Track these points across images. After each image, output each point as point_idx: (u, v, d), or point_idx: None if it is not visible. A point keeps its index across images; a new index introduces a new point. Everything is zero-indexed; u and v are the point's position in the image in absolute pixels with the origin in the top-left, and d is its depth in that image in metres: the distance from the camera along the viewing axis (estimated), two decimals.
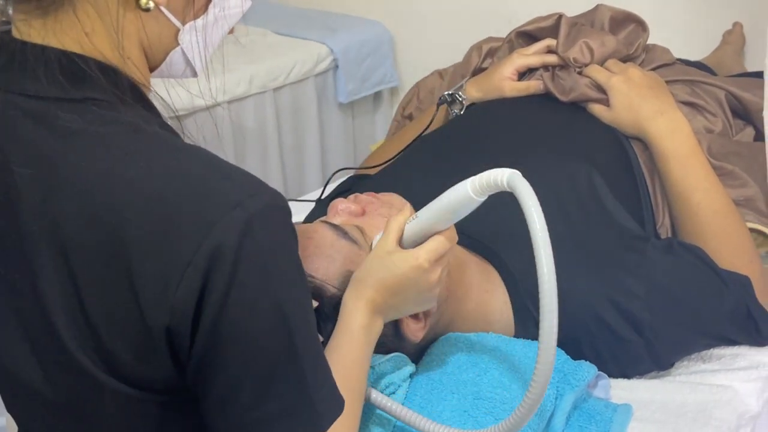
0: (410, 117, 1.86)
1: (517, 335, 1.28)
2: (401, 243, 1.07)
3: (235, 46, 2.70)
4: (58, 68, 0.80)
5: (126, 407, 0.85)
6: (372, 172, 1.63)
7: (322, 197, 1.67)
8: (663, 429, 1.20)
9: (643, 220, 1.44)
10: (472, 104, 1.64)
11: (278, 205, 0.80)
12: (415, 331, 1.17)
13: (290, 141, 2.73)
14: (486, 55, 1.77)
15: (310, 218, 1.52)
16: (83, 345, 0.81)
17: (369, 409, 1.07)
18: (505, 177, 0.97)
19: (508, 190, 0.97)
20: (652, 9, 1.97)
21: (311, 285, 1.09)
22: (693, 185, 1.41)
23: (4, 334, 0.86)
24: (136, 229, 0.76)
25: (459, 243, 1.32)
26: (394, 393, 1.14)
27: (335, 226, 1.15)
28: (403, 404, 1.13)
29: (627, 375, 1.30)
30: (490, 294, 1.28)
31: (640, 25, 1.64)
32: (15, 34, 0.83)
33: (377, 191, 1.26)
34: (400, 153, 1.61)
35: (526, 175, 1.40)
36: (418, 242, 1.07)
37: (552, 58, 1.58)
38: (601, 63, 1.55)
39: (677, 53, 1.74)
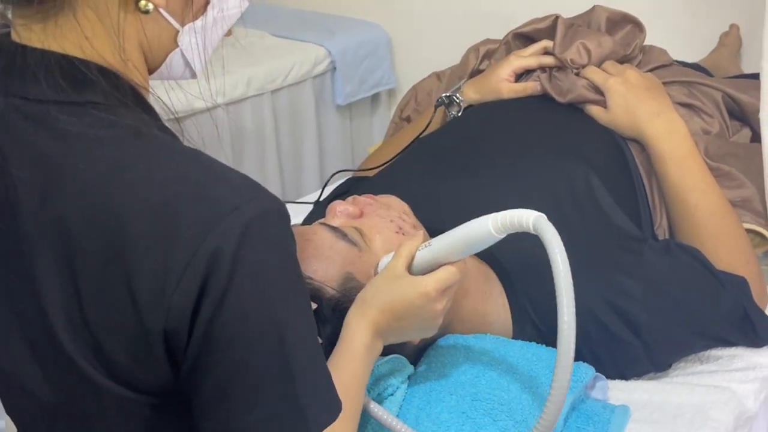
0: (408, 119, 1.86)
1: (515, 337, 1.28)
2: (410, 269, 1.07)
3: (233, 49, 2.70)
4: (59, 72, 0.80)
5: (123, 409, 0.85)
6: (370, 174, 1.63)
7: (321, 199, 1.67)
8: (660, 430, 1.20)
9: (640, 221, 1.44)
10: (470, 106, 1.65)
11: (276, 210, 0.80)
12: None
13: (288, 143, 2.73)
14: (483, 57, 1.77)
15: (309, 220, 1.52)
16: (81, 347, 0.81)
17: (365, 419, 1.07)
18: (531, 220, 0.98)
19: (533, 233, 0.98)
20: (649, 10, 1.97)
21: (310, 287, 1.09)
22: (690, 186, 1.41)
23: (3, 337, 0.86)
24: (134, 233, 0.76)
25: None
26: (392, 395, 1.14)
27: (334, 228, 1.16)
28: (401, 405, 1.14)
29: (624, 376, 1.30)
30: (488, 296, 1.29)
31: (637, 26, 1.65)
32: (15, 38, 0.83)
33: (375, 193, 1.26)
34: (398, 155, 1.61)
35: (523, 177, 1.41)
36: (427, 270, 1.07)
37: (549, 60, 1.59)
38: (598, 64, 1.55)
39: (674, 55, 1.74)
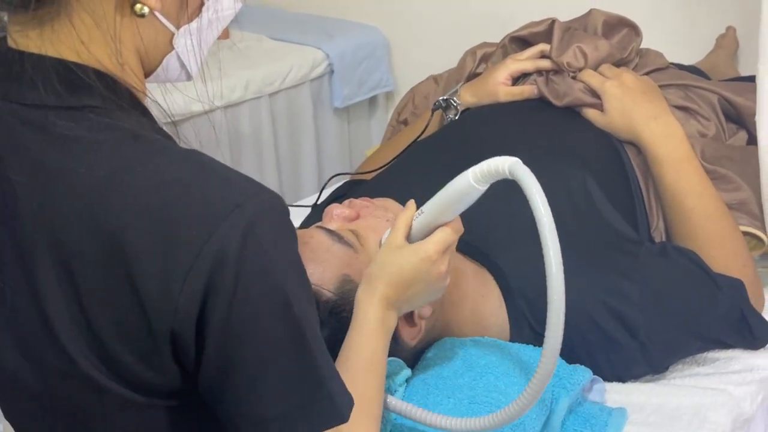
0: (405, 122, 1.86)
1: (512, 340, 1.28)
2: (409, 238, 1.09)
3: (230, 52, 2.71)
4: (56, 77, 0.80)
5: (129, 413, 0.85)
6: (367, 177, 1.63)
7: (318, 202, 1.67)
8: None
9: (637, 224, 1.44)
10: (467, 109, 1.65)
11: (277, 206, 0.81)
12: (410, 336, 1.18)
13: (286, 146, 2.73)
14: (480, 61, 1.77)
15: (306, 223, 1.53)
16: (85, 350, 0.81)
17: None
18: (506, 165, 0.98)
19: (510, 177, 0.98)
20: (646, 12, 1.97)
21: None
22: (686, 189, 1.42)
23: (2, 343, 0.86)
24: (135, 235, 0.77)
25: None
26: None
27: (330, 231, 1.16)
28: None
29: (622, 378, 1.30)
30: (485, 299, 1.29)
31: (634, 29, 1.65)
32: (11, 44, 0.83)
33: (372, 196, 1.26)
34: (395, 158, 1.61)
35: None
36: (424, 236, 1.08)
37: (546, 63, 1.59)
38: (595, 67, 1.56)
39: (671, 57, 1.74)
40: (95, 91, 0.82)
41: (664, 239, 1.47)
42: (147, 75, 0.90)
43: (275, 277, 0.79)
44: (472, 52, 1.80)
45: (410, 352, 1.20)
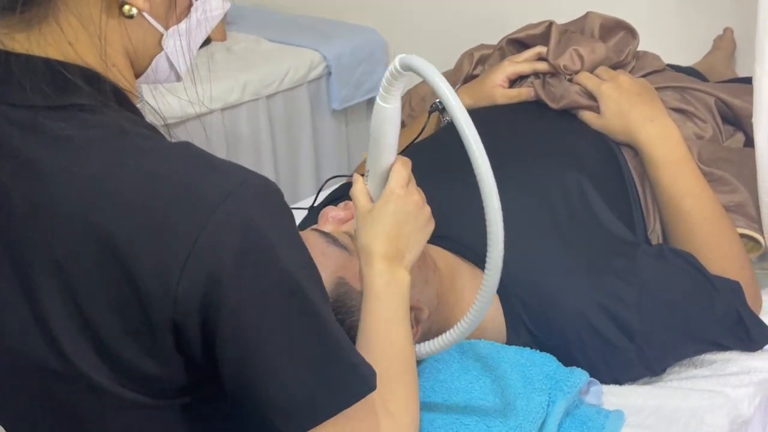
0: (402, 124, 1.86)
1: (509, 342, 1.28)
2: (372, 201, 1.10)
3: (228, 54, 2.71)
4: (42, 77, 0.81)
5: (126, 413, 0.85)
6: None
7: (315, 204, 1.67)
8: None
9: (633, 226, 1.44)
10: None
11: (270, 188, 0.81)
12: None
13: (284, 148, 2.73)
14: (477, 63, 1.77)
15: (303, 225, 1.53)
16: (84, 350, 0.81)
17: None
18: (396, 63, 1.00)
19: (404, 72, 1.00)
20: (643, 15, 1.97)
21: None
22: (683, 191, 1.42)
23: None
24: (128, 229, 0.77)
25: (449, 249, 1.32)
26: None
27: (325, 234, 1.16)
28: None
29: (619, 381, 1.30)
30: None
31: (630, 32, 1.65)
32: None
33: None
34: None
35: (517, 182, 1.42)
36: (383, 188, 1.09)
37: (542, 66, 1.59)
38: (592, 70, 1.56)
39: (668, 58, 1.74)
40: (82, 89, 0.82)
41: (661, 241, 1.47)
42: (137, 76, 0.90)
43: (278, 259, 0.79)
44: (469, 54, 1.80)
45: None
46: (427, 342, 1.10)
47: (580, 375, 1.21)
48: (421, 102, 1.85)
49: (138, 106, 0.89)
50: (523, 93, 1.59)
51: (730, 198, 1.46)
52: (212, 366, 0.82)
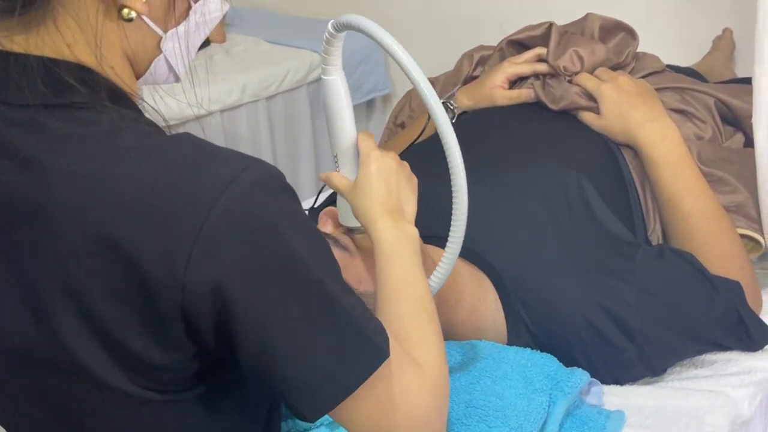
0: (402, 125, 1.87)
1: (509, 342, 1.28)
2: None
3: (227, 55, 2.71)
4: (39, 76, 0.81)
5: (128, 408, 0.86)
6: None
7: (315, 206, 1.67)
8: None
9: (634, 226, 1.44)
10: (464, 112, 1.65)
11: (272, 172, 0.81)
12: None
13: (283, 149, 2.73)
14: (477, 64, 1.77)
15: None
16: (89, 344, 0.81)
17: None
18: (329, 26, 1.02)
19: (337, 32, 1.03)
20: (642, 15, 1.98)
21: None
22: (683, 192, 1.42)
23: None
24: (129, 222, 0.77)
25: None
26: None
27: (326, 235, 1.16)
28: None
29: (619, 381, 1.30)
30: (482, 301, 1.29)
31: (630, 33, 1.65)
32: None
33: None
34: None
35: (517, 183, 1.42)
36: (356, 165, 1.10)
37: (542, 67, 1.59)
38: (591, 71, 1.56)
39: (668, 59, 1.75)
40: (77, 88, 0.82)
41: (661, 242, 1.47)
42: (137, 77, 0.90)
43: (285, 240, 0.79)
44: (469, 55, 1.80)
45: None
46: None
47: (580, 375, 1.21)
48: (421, 103, 1.85)
49: (138, 106, 0.89)
50: (523, 94, 1.60)
51: (730, 198, 1.47)
52: (225, 352, 0.83)
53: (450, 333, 1.25)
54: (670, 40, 2.16)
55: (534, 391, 1.16)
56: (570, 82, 1.56)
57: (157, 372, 0.83)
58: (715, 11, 2.16)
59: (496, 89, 1.61)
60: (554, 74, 1.58)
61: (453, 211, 1.04)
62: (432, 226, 1.21)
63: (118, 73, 0.86)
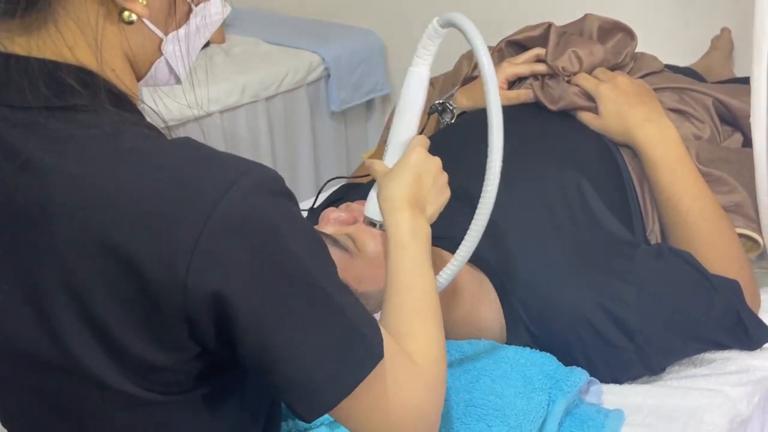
0: None
1: (509, 342, 1.29)
2: None
3: (227, 56, 2.72)
4: (41, 78, 0.81)
5: (130, 409, 0.86)
6: (364, 180, 1.63)
7: (315, 206, 1.67)
8: None
9: (632, 226, 1.44)
10: (463, 113, 1.65)
11: (272, 176, 0.82)
12: None
13: (283, 150, 2.74)
14: (476, 64, 1.77)
15: None
16: (91, 346, 0.82)
17: None
18: (435, 21, 1.04)
19: (443, 29, 1.04)
20: (641, 14, 1.98)
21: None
22: (681, 192, 1.42)
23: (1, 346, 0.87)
24: (130, 224, 0.77)
25: (449, 251, 1.33)
26: None
27: (326, 236, 1.16)
28: None
29: (618, 380, 1.30)
30: (481, 301, 1.29)
31: (628, 34, 1.66)
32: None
33: None
34: None
35: (516, 183, 1.42)
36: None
37: (541, 67, 1.59)
38: (590, 72, 1.56)
39: (666, 59, 1.75)
40: (78, 90, 0.82)
41: (659, 241, 1.47)
42: (137, 80, 0.91)
43: (284, 243, 0.80)
44: (468, 55, 1.81)
45: None
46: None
47: (579, 374, 1.21)
48: None
49: (138, 108, 0.89)
50: (521, 94, 1.60)
51: (728, 198, 1.47)
52: (226, 353, 0.83)
53: (449, 332, 1.25)
54: (668, 39, 2.16)
55: (533, 390, 1.16)
56: (569, 82, 1.56)
57: (159, 373, 0.84)
58: (714, 11, 2.17)
59: None
60: (553, 75, 1.58)
61: (476, 213, 1.06)
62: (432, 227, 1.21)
63: (119, 75, 0.86)
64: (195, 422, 0.89)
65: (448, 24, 1.02)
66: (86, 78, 0.83)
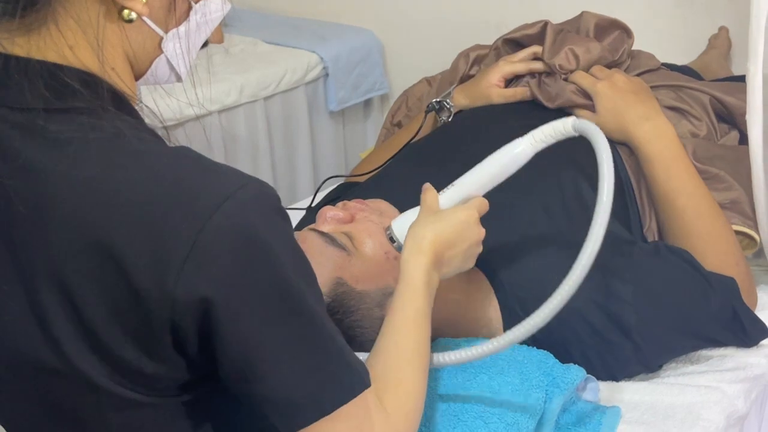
0: (399, 125, 1.87)
1: None
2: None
3: (225, 56, 2.72)
4: (41, 80, 0.81)
5: (124, 411, 0.86)
6: (362, 179, 1.64)
7: (313, 205, 1.67)
8: (651, 430, 1.21)
9: (629, 224, 1.45)
10: (460, 111, 1.65)
11: (267, 193, 0.82)
12: None
13: (281, 149, 2.74)
14: (473, 63, 1.78)
15: (301, 226, 1.53)
16: (84, 350, 0.82)
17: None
18: (569, 124, 1.06)
19: (575, 134, 1.06)
20: (639, 14, 1.98)
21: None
22: (678, 189, 1.42)
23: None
24: (126, 230, 0.77)
25: None
26: None
27: (323, 234, 1.17)
28: None
29: (615, 377, 1.30)
30: (478, 299, 1.29)
31: (625, 31, 1.66)
32: None
33: (366, 198, 1.27)
34: (389, 160, 1.62)
35: (513, 181, 1.42)
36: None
37: (538, 65, 1.60)
38: (587, 69, 1.56)
39: (664, 57, 1.75)
40: (80, 93, 0.82)
41: (656, 239, 1.47)
42: (137, 78, 0.91)
43: (274, 262, 0.80)
44: (465, 54, 1.81)
45: None
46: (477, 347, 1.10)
47: (576, 371, 1.21)
48: (417, 102, 1.86)
49: (136, 107, 0.89)
50: (518, 92, 1.60)
51: (725, 195, 1.47)
52: (209, 365, 0.83)
53: (446, 330, 1.25)
54: (666, 38, 2.16)
55: (530, 387, 1.16)
56: (566, 80, 1.57)
57: (150, 380, 0.84)
58: (711, 10, 2.17)
59: (492, 88, 1.62)
60: (550, 72, 1.58)
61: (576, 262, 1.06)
62: None
63: (119, 73, 0.86)
64: (192, 422, 0.89)
65: (582, 132, 1.04)
66: (87, 81, 0.83)
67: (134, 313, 0.79)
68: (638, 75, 1.63)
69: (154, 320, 0.79)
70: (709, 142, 1.55)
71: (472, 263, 1.13)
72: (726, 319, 1.31)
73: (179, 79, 0.94)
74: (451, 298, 1.26)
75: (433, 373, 1.18)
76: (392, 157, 1.62)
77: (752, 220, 1.47)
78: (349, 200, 1.26)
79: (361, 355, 0.93)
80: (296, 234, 1.18)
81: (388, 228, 1.15)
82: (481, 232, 1.10)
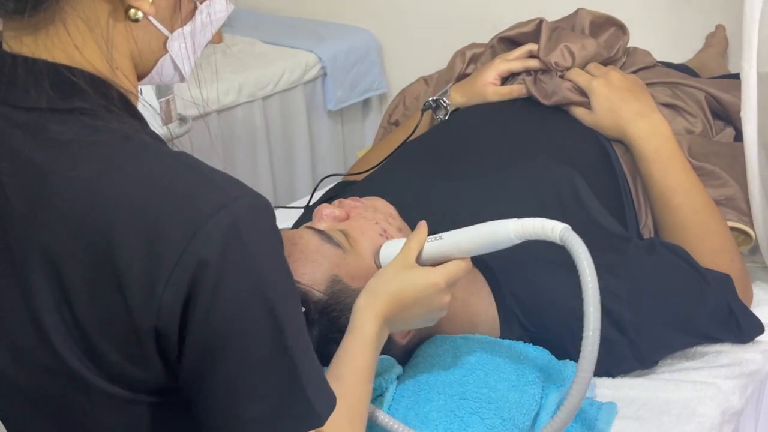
0: (396, 123, 1.87)
1: (502, 336, 1.29)
2: (418, 260, 1.09)
3: (224, 56, 2.72)
4: (47, 80, 0.81)
5: (116, 410, 0.86)
6: (359, 178, 1.64)
7: (310, 203, 1.68)
8: (647, 426, 1.21)
9: (625, 221, 1.45)
10: (457, 109, 1.66)
11: (262, 207, 0.81)
12: (402, 335, 1.19)
13: (280, 149, 2.74)
14: (469, 61, 1.78)
15: (299, 224, 1.53)
16: (74, 349, 0.82)
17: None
18: (557, 230, 1.02)
19: (559, 243, 1.02)
20: (636, 11, 1.98)
21: (298, 290, 1.10)
22: (673, 186, 1.43)
23: None
24: (121, 234, 0.78)
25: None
26: (381, 395, 1.15)
27: (320, 231, 1.17)
28: (390, 405, 1.14)
29: (611, 374, 1.31)
30: (475, 296, 1.29)
31: (621, 28, 1.66)
32: (5, 48, 0.84)
33: (363, 197, 1.27)
34: (386, 159, 1.62)
35: (509, 179, 1.42)
36: (435, 262, 1.09)
37: (534, 63, 1.60)
38: (582, 66, 1.57)
39: (661, 56, 1.75)
40: (86, 93, 0.82)
41: (652, 236, 1.48)
42: (141, 78, 0.91)
43: (258, 279, 0.80)
44: (461, 53, 1.81)
45: (401, 350, 1.21)
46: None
47: (572, 368, 1.21)
48: (414, 101, 1.86)
49: (138, 107, 0.90)
50: (514, 90, 1.60)
51: (720, 192, 1.47)
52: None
53: (443, 327, 1.26)
54: (663, 37, 2.17)
55: (526, 384, 1.17)
56: (561, 77, 1.57)
57: (134, 381, 0.84)
58: (708, 8, 2.17)
59: (488, 86, 1.62)
60: (546, 70, 1.59)
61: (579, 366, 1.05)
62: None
63: (124, 73, 0.86)
64: (186, 419, 0.89)
65: (567, 244, 1.02)
66: (96, 82, 0.83)
67: (122, 320, 0.79)
68: (634, 72, 1.63)
69: (140, 327, 0.79)
70: (704, 139, 1.55)
71: (431, 323, 1.13)
72: (721, 316, 1.31)
73: (183, 79, 0.95)
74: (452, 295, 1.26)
75: (429, 370, 1.18)
76: (389, 156, 1.62)
77: (747, 216, 1.47)
78: (345, 198, 1.26)
79: None
80: (292, 232, 1.19)
81: (378, 252, 1.15)
82: (446, 299, 1.08)
